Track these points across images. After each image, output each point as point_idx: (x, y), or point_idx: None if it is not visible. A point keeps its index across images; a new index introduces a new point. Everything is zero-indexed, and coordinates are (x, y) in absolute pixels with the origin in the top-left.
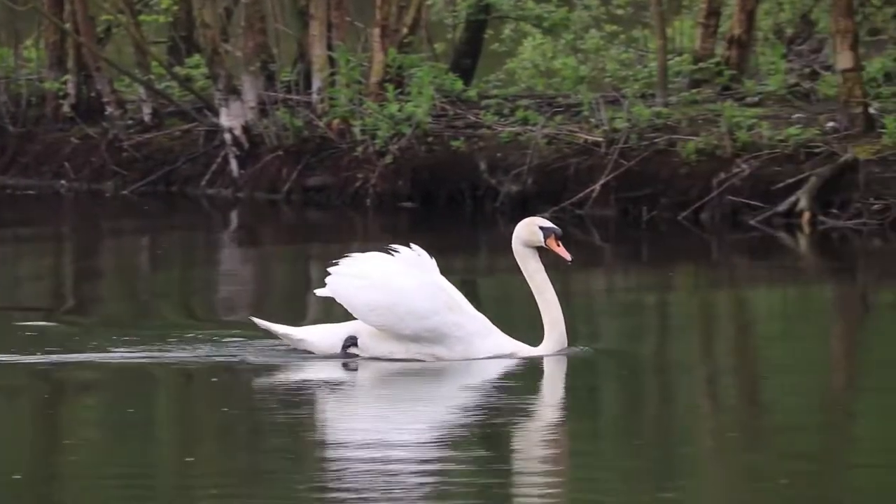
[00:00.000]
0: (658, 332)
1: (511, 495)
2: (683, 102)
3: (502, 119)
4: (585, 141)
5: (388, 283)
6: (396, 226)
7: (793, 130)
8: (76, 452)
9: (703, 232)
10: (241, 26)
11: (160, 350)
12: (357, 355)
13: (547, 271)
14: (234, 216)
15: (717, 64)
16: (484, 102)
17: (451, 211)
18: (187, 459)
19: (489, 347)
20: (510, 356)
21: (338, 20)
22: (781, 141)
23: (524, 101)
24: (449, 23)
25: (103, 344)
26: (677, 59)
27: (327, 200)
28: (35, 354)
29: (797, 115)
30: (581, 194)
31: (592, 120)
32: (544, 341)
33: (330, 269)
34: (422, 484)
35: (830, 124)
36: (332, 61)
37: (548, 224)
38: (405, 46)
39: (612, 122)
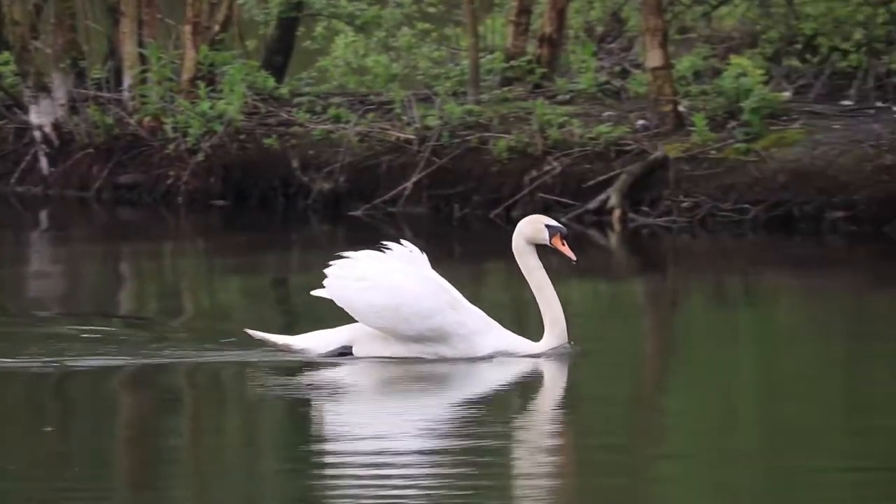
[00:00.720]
0: None
1: (514, 495)
2: (495, 100)
3: (315, 117)
4: (398, 139)
5: (389, 283)
6: (208, 224)
7: (603, 128)
8: None
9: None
10: (51, 23)
11: None
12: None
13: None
14: (43, 215)
15: (529, 62)
16: (296, 100)
17: (263, 209)
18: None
19: (491, 344)
20: (512, 353)
21: (149, 17)
22: (592, 139)
23: (336, 99)
24: (261, 20)
25: None
26: (489, 57)
27: (139, 198)
28: None
29: (608, 113)
30: (393, 192)
31: (405, 118)
32: (545, 337)
33: (326, 271)
34: (422, 485)
35: (641, 122)
36: (143, 58)
37: (553, 223)
38: (217, 44)
39: (424, 119)
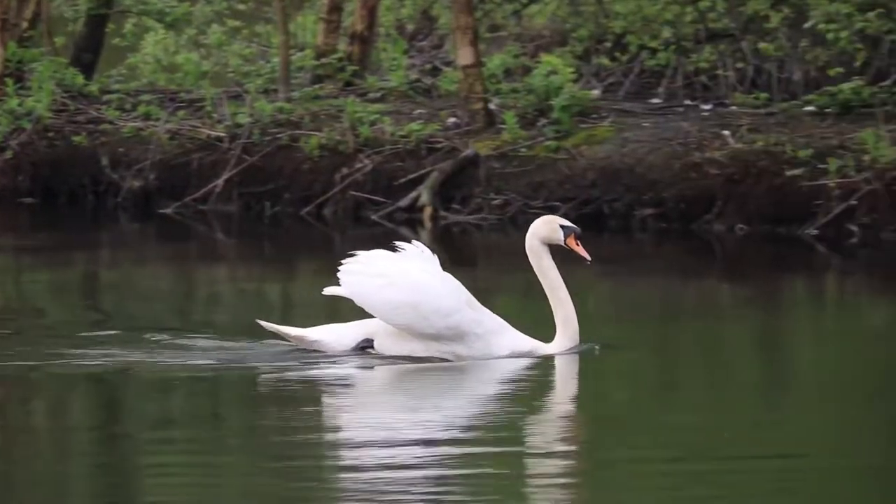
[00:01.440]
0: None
1: (526, 493)
2: (306, 98)
3: (124, 114)
4: (208, 136)
5: (408, 281)
6: (17, 222)
7: (414, 126)
8: None
9: (326, 227)
10: None
11: None
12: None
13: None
14: None
15: (340, 60)
16: (106, 97)
17: (72, 207)
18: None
19: (507, 344)
20: (527, 354)
21: None
22: (403, 136)
23: (146, 97)
24: (70, 17)
25: None
26: (300, 54)
27: None
28: None
29: (419, 111)
30: (204, 189)
31: (215, 115)
32: (557, 338)
33: (342, 269)
34: (432, 483)
35: (451, 120)
36: None
37: (568, 223)
38: (25, 41)
39: (234, 117)
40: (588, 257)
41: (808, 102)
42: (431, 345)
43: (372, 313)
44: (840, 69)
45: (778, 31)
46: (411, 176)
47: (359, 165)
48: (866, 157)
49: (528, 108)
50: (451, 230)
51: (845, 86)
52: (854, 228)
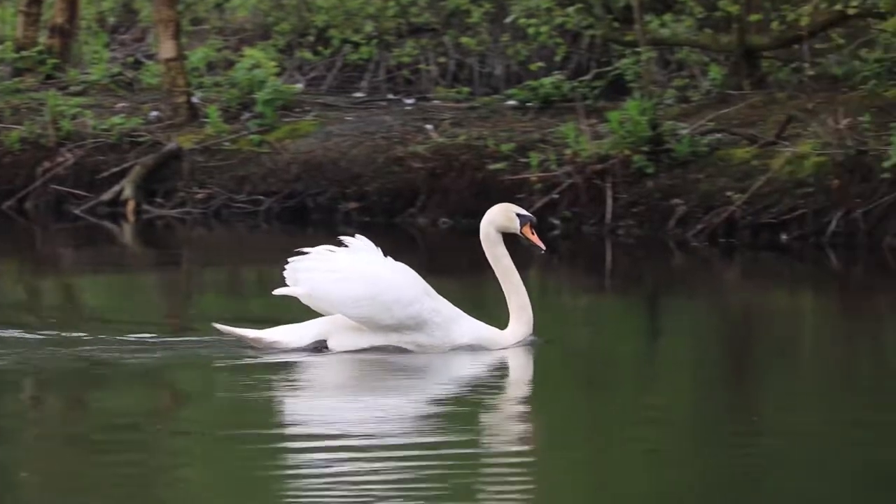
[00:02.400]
0: None
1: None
2: (6, 91)
3: None
4: None
5: (365, 273)
6: None
7: (117, 119)
8: None
9: (28, 221)
10: None
11: None
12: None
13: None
14: None
15: (40, 52)
16: None
17: None
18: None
19: (464, 332)
20: (485, 341)
21: None
22: (105, 130)
23: None
24: None
25: None
26: None
27: None
28: None
29: (121, 105)
30: None
31: None
32: (512, 325)
33: (293, 267)
34: (387, 478)
35: (154, 114)
36: None
37: (524, 212)
38: None
39: None
40: (543, 247)
41: (510, 97)
42: (391, 336)
43: (331, 309)
44: (541, 64)
45: (479, 26)
46: (114, 170)
47: (60, 159)
48: (567, 152)
49: (232, 101)
50: (154, 224)
51: (546, 80)
52: (556, 221)
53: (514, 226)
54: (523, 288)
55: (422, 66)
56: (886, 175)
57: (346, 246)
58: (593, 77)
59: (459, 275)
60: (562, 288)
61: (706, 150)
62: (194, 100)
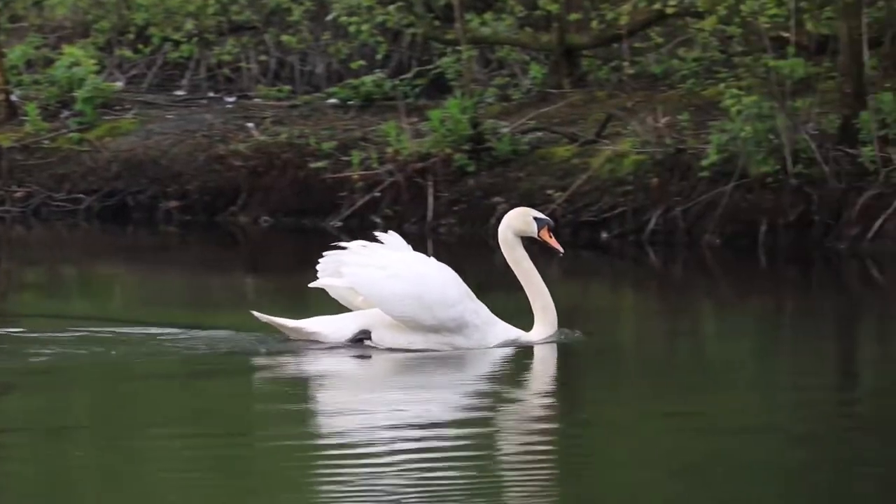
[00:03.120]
0: None
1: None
2: None
3: None
4: None
5: (412, 272)
6: None
7: None
8: None
9: None
10: None
11: None
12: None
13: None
14: None
15: None
16: None
17: None
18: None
19: (498, 334)
20: (515, 343)
21: None
22: None
23: None
24: None
25: None
26: None
27: None
28: None
29: None
30: None
31: None
32: (538, 326)
33: (336, 260)
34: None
35: None
36: None
37: (541, 215)
38: None
39: None
40: (561, 249)
41: (331, 95)
42: (430, 336)
43: (377, 305)
44: (362, 62)
45: (300, 24)
46: None
47: None
48: (389, 150)
49: (51, 99)
50: None
51: (367, 79)
52: (377, 220)
53: (532, 229)
54: (546, 289)
55: (243, 64)
56: (705, 173)
57: (381, 242)
58: (414, 75)
59: (280, 272)
60: None
61: (527, 149)
62: (13, 98)
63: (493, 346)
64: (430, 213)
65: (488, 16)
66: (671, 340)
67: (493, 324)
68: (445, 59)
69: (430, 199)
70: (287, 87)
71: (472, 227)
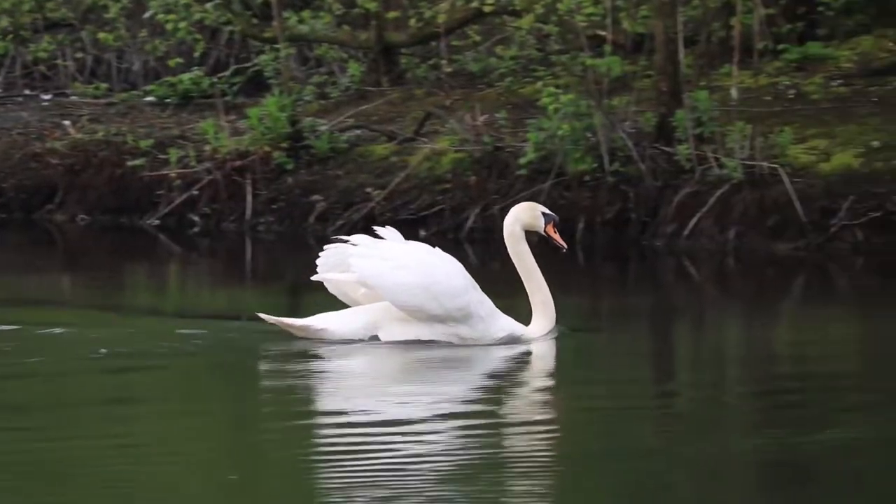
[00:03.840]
0: None
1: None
2: None
3: None
4: None
5: (419, 262)
6: None
7: None
8: None
9: None
10: None
11: None
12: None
13: None
14: None
15: None
16: None
17: None
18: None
19: (502, 326)
20: (517, 336)
21: None
22: None
23: None
24: None
25: None
26: None
27: None
28: None
29: None
30: None
31: None
32: (537, 320)
33: (351, 252)
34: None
35: None
36: None
37: (548, 211)
38: None
39: None
40: (565, 245)
41: (149, 93)
42: (436, 328)
43: (384, 295)
44: (180, 59)
45: (117, 22)
46: None
47: None
48: (207, 148)
49: None
50: None
51: (185, 76)
52: (196, 218)
53: (539, 224)
54: (545, 284)
55: (59, 61)
56: (523, 171)
57: (380, 237)
58: (232, 73)
59: (97, 270)
60: (168, 286)
61: (345, 147)
62: None
63: (497, 339)
64: (248, 212)
65: (306, 13)
66: None
67: (496, 316)
68: (263, 57)
69: (249, 198)
70: (104, 85)
71: (291, 225)
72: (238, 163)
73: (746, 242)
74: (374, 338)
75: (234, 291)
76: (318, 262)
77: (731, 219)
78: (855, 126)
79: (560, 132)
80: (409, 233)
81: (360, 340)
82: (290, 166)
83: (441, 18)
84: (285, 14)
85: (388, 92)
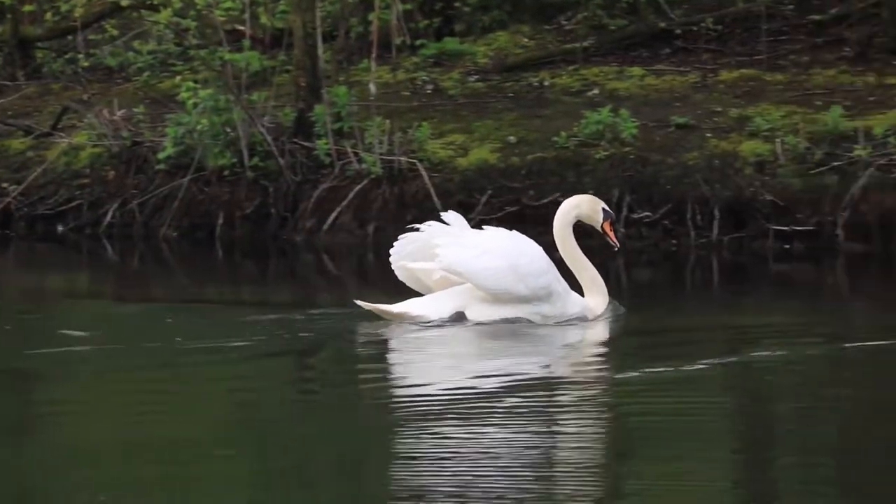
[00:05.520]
0: None
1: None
2: None
3: None
4: None
5: (502, 247)
6: None
7: None
8: None
9: None
10: None
11: None
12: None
13: None
14: None
15: None
16: None
17: None
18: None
19: (575, 302)
20: (587, 311)
21: None
22: None
23: None
24: None
25: None
26: None
27: None
28: None
29: None
30: None
31: None
32: (592, 297)
33: (438, 243)
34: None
35: None
36: None
37: (608, 208)
38: None
39: None
40: (617, 244)
41: None
42: (520, 307)
43: (472, 282)
44: None
45: None
46: None
47: None
48: None
49: None
50: None
51: None
52: None
53: (598, 218)
54: (590, 264)
55: None
56: (161, 166)
57: (446, 222)
58: None
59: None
60: None
61: None
62: None
63: (571, 315)
64: None
65: None
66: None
67: (570, 292)
68: None
69: None
70: None
71: None
72: None
73: (385, 237)
74: (461, 318)
75: None
76: (391, 251)
77: (371, 214)
78: (491, 121)
79: (199, 127)
80: (47, 228)
81: (451, 323)
82: None
83: (78, 12)
84: None
85: (24, 86)
